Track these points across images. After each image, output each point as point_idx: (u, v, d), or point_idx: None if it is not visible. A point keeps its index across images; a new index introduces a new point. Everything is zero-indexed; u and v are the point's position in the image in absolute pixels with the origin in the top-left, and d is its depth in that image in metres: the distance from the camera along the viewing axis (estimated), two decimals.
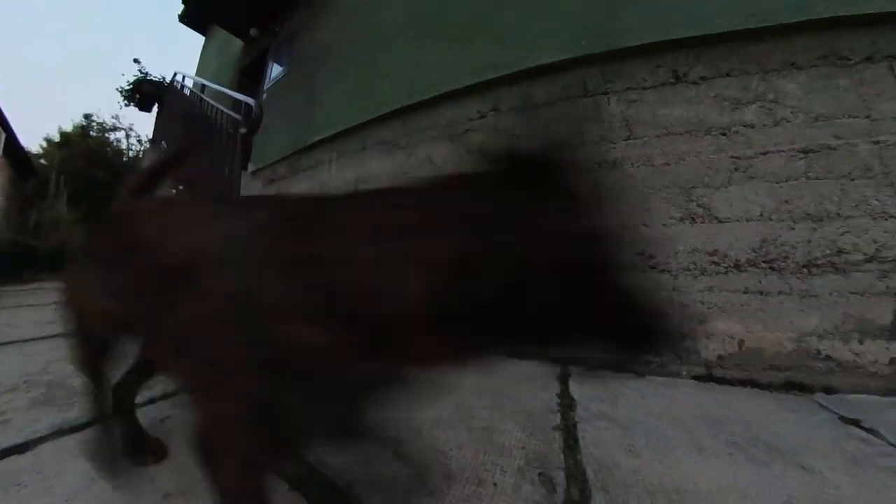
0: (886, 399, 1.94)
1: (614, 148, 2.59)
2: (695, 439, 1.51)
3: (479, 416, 1.69)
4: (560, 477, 1.30)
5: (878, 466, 1.40)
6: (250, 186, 5.17)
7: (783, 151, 2.19)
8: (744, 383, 2.19)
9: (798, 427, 1.67)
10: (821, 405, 1.92)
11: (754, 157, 2.25)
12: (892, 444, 1.57)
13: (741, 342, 2.23)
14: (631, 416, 1.71)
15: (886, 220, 1.99)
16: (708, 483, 1.27)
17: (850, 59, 2.04)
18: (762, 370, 2.18)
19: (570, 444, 1.49)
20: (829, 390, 2.03)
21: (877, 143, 2.00)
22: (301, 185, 4.56)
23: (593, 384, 2.24)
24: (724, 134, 2.32)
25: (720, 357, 2.26)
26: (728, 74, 2.29)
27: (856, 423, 1.73)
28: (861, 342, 2.00)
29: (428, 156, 3.03)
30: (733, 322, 2.24)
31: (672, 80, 2.43)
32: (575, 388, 2.11)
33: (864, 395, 1.97)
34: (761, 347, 2.19)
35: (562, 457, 1.41)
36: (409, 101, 3.19)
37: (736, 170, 2.29)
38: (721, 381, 2.23)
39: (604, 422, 1.67)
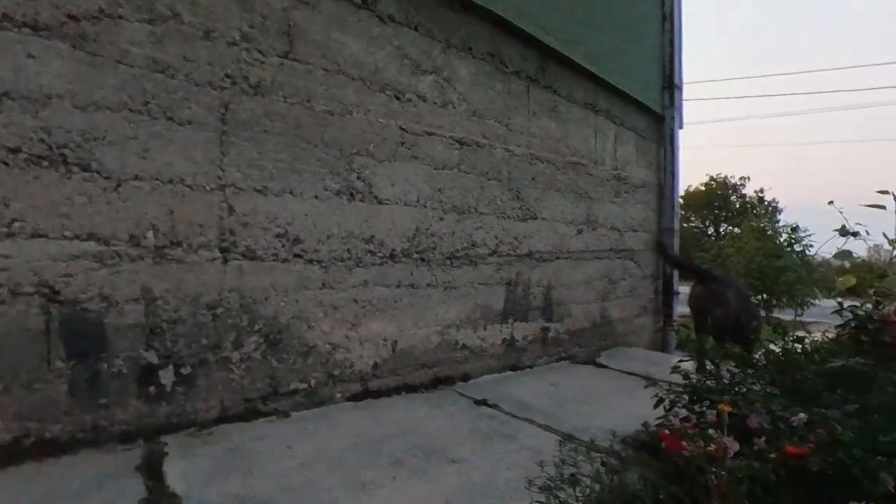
0: (501, 375, 2.35)
1: (263, 63, 1.65)
2: (356, 476, 1.33)
3: None
4: None
5: (501, 434, 1.64)
6: None
7: (444, 137, 2.13)
8: (399, 390, 2.03)
9: (446, 422, 1.74)
10: (460, 394, 2.08)
11: (421, 134, 2.06)
12: (507, 413, 1.88)
13: (395, 343, 2.03)
14: (275, 481, 1.30)
15: (505, 219, 2.35)
16: None
17: (507, 68, 2.23)
18: (414, 370, 2.08)
19: None
20: (465, 377, 2.22)
21: (508, 150, 2.31)
22: None
23: (212, 449, 1.40)
24: (398, 97, 1.97)
25: (376, 365, 1.96)
26: (417, 28, 1.95)
27: (484, 402, 1.96)
28: (485, 328, 2.28)
29: None
30: (387, 322, 2.00)
31: (359, 0, 1.80)
32: (177, 472, 1.30)
33: (488, 376, 2.29)
34: (413, 346, 2.08)
35: None
36: None
37: (402, 144, 2.02)
38: (377, 393, 1.97)
39: None
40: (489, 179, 2.26)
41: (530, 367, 2.49)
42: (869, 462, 1.15)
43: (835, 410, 1.39)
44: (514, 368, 2.41)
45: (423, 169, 2.07)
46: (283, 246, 1.75)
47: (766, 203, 24.10)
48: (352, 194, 1.90)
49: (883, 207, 1.76)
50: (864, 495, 1.07)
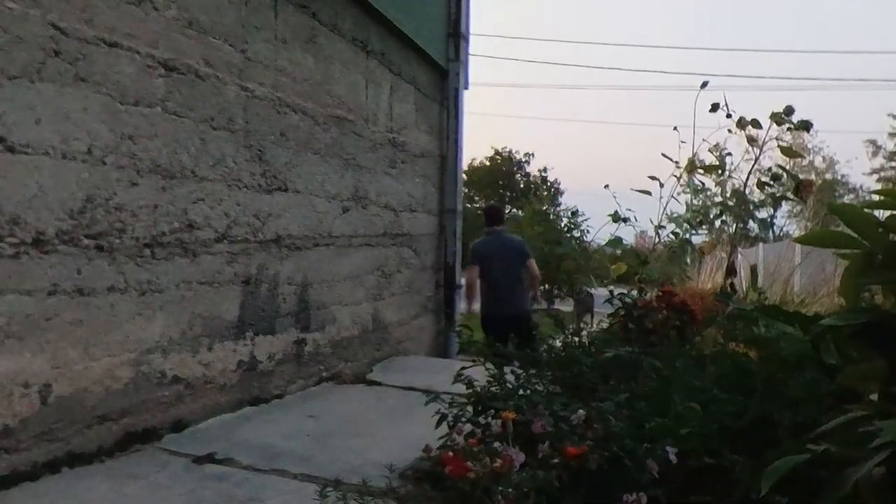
0: (238, 414, 2.12)
1: None
2: None
3: None
4: None
5: (237, 500, 1.55)
6: None
7: (139, 53, 1.72)
8: (56, 465, 1.64)
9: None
10: (170, 451, 1.85)
11: (96, 43, 1.62)
12: (246, 468, 1.75)
13: (47, 389, 1.62)
14: None
15: (242, 189, 2.07)
16: None
17: None
18: (85, 429, 1.72)
19: None
20: (178, 426, 1.94)
21: (246, 89, 2.03)
22: None
23: None
24: None
25: (7, 431, 1.50)
26: None
27: (210, 458, 1.78)
28: (210, 348, 2.00)
29: None
30: (30, 354, 1.60)
31: None
32: None
33: (215, 419, 2.04)
34: (83, 389, 1.72)
35: None
36: None
37: (59, 55, 1.55)
38: (12, 478, 1.50)
39: None
40: (216, 129, 1.97)
41: (280, 396, 2.37)
42: (637, 451, 1.36)
43: (609, 403, 1.65)
44: (256, 402, 2.24)
45: (98, 100, 1.66)
46: None
47: (549, 184, 27.26)
48: None
49: (649, 193, 2.20)
50: (634, 485, 1.27)
